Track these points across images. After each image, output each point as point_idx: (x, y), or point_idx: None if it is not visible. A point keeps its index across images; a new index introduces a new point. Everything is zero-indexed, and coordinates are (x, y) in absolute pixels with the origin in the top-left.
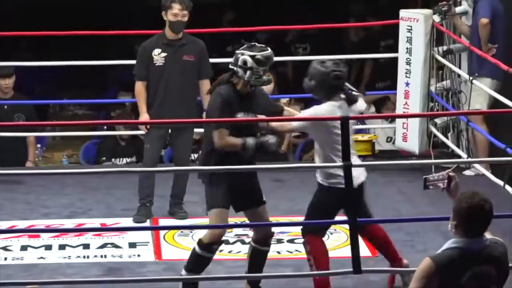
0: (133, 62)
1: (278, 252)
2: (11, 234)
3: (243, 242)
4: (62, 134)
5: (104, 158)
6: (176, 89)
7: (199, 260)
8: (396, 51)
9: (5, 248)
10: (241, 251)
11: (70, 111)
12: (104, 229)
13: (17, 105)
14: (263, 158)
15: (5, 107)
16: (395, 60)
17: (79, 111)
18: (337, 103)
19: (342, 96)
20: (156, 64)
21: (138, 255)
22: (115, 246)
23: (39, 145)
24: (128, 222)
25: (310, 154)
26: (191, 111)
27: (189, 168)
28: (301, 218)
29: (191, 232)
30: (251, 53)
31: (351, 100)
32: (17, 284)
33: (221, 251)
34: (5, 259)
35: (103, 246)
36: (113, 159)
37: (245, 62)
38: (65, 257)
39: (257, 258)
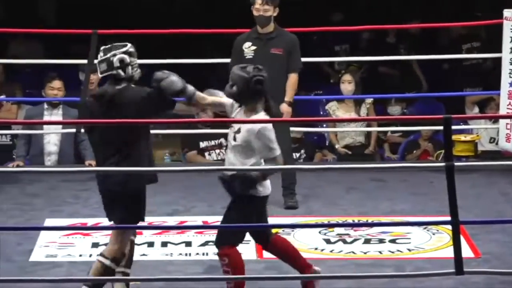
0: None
1: (380, 252)
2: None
3: (344, 242)
4: (164, 132)
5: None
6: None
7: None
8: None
9: (108, 245)
10: (343, 251)
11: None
12: (206, 226)
13: None
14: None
15: None
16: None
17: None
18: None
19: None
20: (246, 57)
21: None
22: None
23: None
24: None
25: (414, 154)
26: (277, 105)
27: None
28: (402, 219)
29: (293, 231)
30: (122, 50)
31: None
32: (117, 280)
33: (322, 250)
34: None
35: (205, 244)
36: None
37: (122, 60)
38: (167, 255)
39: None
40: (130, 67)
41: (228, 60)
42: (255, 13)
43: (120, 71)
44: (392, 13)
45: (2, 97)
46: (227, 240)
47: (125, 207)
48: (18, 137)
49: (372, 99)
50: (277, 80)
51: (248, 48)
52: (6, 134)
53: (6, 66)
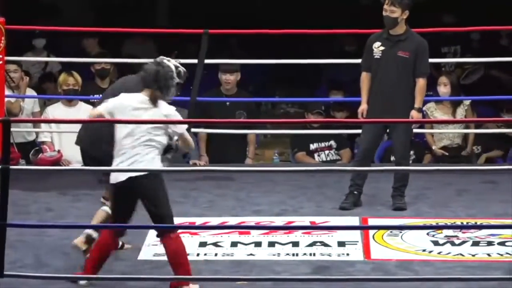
0: (344, 61)
1: (488, 255)
2: (222, 230)
3: (452, 244)
4: (275, 132)
5: None
6: (388, 84)
7: None
8: None
9: (215, 244)
10: (451, 253)
11: (282, 109)
12: (313, 227)
13: (239, 102)
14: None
15: (227, 104)
16: None
17: (291, 109)
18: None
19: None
20: (375, 57)
21: (347, 254)
22: (324, 244)
23: None
24: (337, 221)
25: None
26: (401, 107)
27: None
28: None
29: (401, 232)
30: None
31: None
32: (225, 279)
33: (430, 252)
34: (215, 254)
35: (312, 244)
36: None
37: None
38: (274, 255)
39: None
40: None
41: (358, 61)
42: (383, 13)
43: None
44: (506, 15)
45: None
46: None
47: None
48: None
49: (469, 101)
50: (402, 82)
51: (377, 48)
52: None
53: (121, 65)
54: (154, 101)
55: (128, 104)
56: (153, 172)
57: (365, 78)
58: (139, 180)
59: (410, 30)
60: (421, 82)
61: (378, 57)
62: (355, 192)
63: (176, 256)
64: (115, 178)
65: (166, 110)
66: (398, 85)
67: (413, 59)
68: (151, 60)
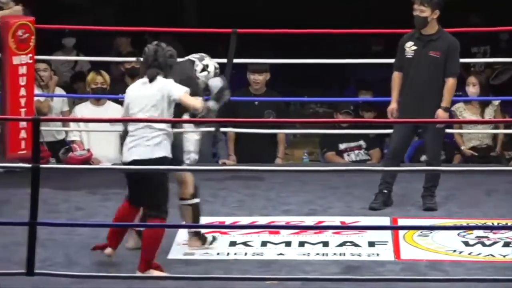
0: (371, 61)
1: None
2: (252, 230)
3: (483, 244)
4: (305, 132)
5: None
6: (419, 83)
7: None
8: None
9: (245, 244)
10: (481, 253)
11: (311, 108)
12: (343, 227)
13: (268, 101)
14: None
15: (256, 103)
16: None
17: (320, 109)
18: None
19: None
20: (407, 56)
21: (377, 254)
22: (354, 244)
23: None
24: (367, 221)
25: None
26: (431, 107)
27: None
28: None
29: (431, 232)
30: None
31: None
32: (255, 279)
33: (461, 252)
34: (245, 254)
35: (342, 244)
36: None
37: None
38: (304, 254)
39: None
40: None
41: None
42: (413, 12)
43: None
44: None
45: None
46: (161, 213)
47: None
48: None
49: (498, 102)
50: (433, 82)
51: (409, 48)
52: None
53: None
54: (152, 80)
55: (131, 92)
56: (160, 159)
57: (396, 77)
58: (141, 163)
59: (442, 29)
60: (450, 82)
61: (410, 56)
62: (385, 191)
63: (151, 241)
64: (124, 158)
65: (160, 83)
66: (428, 85)
67: (444, 59)
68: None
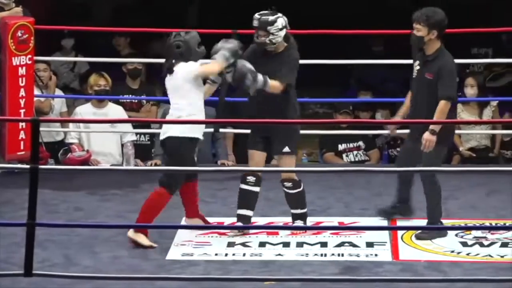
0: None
1: None
2: (251, 230)
3: (481, 245)
4: (304, 132)
5: None
6: (417, 104)
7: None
8: None
9: (244, 244)
10: (480, 254)
11: (311, 109)
12: (342, 227)
13: None
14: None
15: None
16: None
17: (320, 110)
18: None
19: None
20: (413, 76)
21: (375, 255)
22: (353, 245)
23: None
24: (366, 221)
25: None
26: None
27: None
28: None
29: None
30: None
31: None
32: (253, 280)
33: (459, 253)
34: (244, 255)
35: (341, 244)
36: None
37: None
38: (302, 255)
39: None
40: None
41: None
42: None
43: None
44: None
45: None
46: (172, 184)
47: None
48: (156, 136)
49: (496, 102)
50: (430, 104)
51: (415, 67)
52: (145, 134)
53: (148, 66)
54: (170, 72)
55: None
56: (179, 138)
57: (408, 96)
58: (165, 141)
59: (442, 50)
60: (440, 105)
61: (414, 76)
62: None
63: (151, 207)
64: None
65: (176, 71)
66: (425, 106)
67: (435, 81)
68: None
